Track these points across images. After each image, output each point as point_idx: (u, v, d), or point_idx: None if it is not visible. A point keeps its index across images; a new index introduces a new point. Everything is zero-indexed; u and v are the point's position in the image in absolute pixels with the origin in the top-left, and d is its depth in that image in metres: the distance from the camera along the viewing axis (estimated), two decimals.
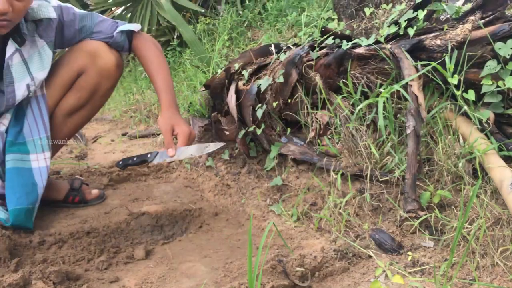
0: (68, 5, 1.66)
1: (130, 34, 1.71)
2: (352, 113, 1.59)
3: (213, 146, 1.60)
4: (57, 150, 1.86)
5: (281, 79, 1.80)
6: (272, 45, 2.14)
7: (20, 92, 1.57)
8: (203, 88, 2.36)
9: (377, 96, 1.51)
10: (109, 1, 4.29)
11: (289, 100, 1.85)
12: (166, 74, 1.70)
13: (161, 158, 1.59)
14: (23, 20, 1.52)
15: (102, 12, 4.33)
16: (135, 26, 1.72)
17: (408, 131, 1.35)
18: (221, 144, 1.63)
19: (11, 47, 1.52)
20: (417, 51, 1.57)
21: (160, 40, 4.05)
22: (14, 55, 1.54)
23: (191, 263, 1.34)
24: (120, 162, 1.69)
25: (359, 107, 1.50)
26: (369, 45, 1.65)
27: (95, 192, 1.88)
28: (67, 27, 1.64)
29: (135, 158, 1.66)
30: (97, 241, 1.52)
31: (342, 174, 1.52)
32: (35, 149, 1.63)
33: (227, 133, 2.08)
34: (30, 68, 1.58)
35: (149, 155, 1.62)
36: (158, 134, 2.73)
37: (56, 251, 1.46)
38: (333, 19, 2.72)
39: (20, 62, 1.56)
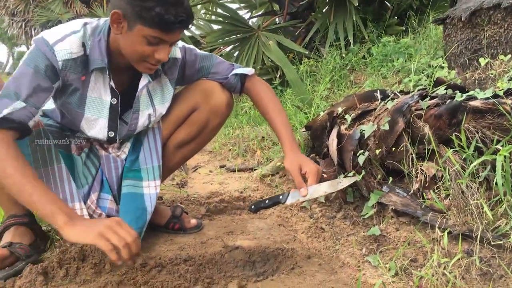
0: (191, 46, 1.80)
1: (243, 77, 1.81)
2: (463, 168, 1.51)
3: (346, 181, 1.58)
4: (164, 179, 1.99)
5: (387, 127, 1.77)
6: (378, 91, 2.12)
7: (142, 120, 1.72)
8: (304, 129, 2.39)
9: (494, 153, 1.42)
10: (219, 41, 4.57)
11: (393, 149, 1.80)
12: (284, 116, 1.76)
13: (294, 198, 1.60)
14: None
15: (212, 50, 4.62)
16: (249, 70, 1.81)
17: None
18: (355, 178, 1.62)
19: (144, 80, 1.67)
20: None
21: (262, 78, 4.20)
22: (145, 87, 1.69)
23: None
24: (253, 207, 1.72)
25: (473, 164, 1.42)
26: (487, 98, 1.57)
27: (193, 221, 1.96)
28: (188, 66, 1.77)
29: (267, 201, 1.69)
30: (193, 269, 1.57)
31: (449, 233, 1.42)
32: (147, 177, 1.76)
33: (325, 175, 2.07)
34: (153, 100, 1.73)
35: (281, 197, 1.64)
36: (255, 170, 2.79)
37: (156, 275, 1.53)
38: (443, 67, 2.64)
39: (146, 94, 1.72)
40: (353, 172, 1.79)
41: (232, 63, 1.83)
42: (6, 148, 1.33)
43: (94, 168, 1.75)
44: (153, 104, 1.72)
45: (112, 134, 1.69)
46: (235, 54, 4.57)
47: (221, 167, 3.04)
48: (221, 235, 1.90)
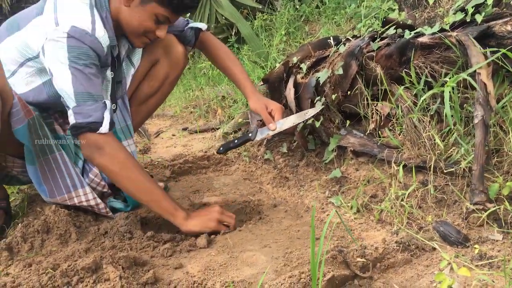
0: None
1: (198, 31, 1.86)
2: (414, 103, 1.55)
3: (312, 111, 1.73)
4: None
5: (340, 71, 1.79)
6: (331, 38, 2.12)
7: (129, 82, 1.75)
8: (261, 83, 2.38)
9: (442, 85, 1.46)
10: None
11: (349, 92, 1.83)
12: (240, 64, 1.86)
13: (263, 134, 1.71)
14: None
15: None
16: (203, 26, 1.87)
17: (476, 120, 1.29)
18: (320, 107, 1.75)
19: (125, 46, 1.67)
20: (485, 38, 1.50)
21: (218, 37, 4.11)
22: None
23: (252, 252, 1.36)
24: (221, 148, 1.78)
25: (423, 98, 1.45)
26: (434, 33, 1.59)
27: (160, 184, 1.96)
28: None
29: (236, 141, 1.76)
30: (162, 230, 1.58)
31: (404, 166, 1.48)
32: (124, 136, 1.78)
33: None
34: (132, 59, 1.74)
35: (250, 134, 1.72)
36: (217, 129, 2.79)
37: (123, 239, 1.53)
38: (393, 10, 2.65)
39: (126, 58, 1.72)
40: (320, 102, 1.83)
41: (186, 18, 1.87)
42: (125, 152, 1.49)
43: None
44: (132, 63, 1.73)
45: (114, 106, 1.70)
46: (188, 14, 4.44)
47: (183, 129, 3.02)
48: (188, 194, 1.91)
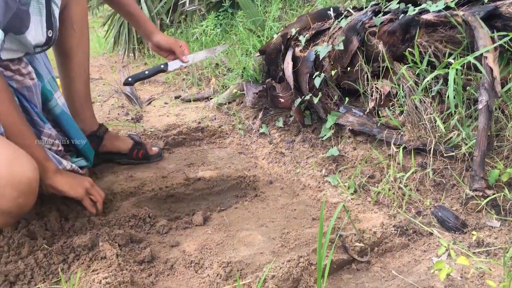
0: None
1: None
2: (416, 83, 1.52)
3: (220, 48, 1.90)
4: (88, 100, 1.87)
5: (341, 47, 1.74)
6: (331, 9, 2.06)
7: (58, 24, 1.47)
8: (258, 54, 2.32)
9: (446, 66, 1.43)
10: None
11: (348, 68, 1.79)
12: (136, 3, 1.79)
13: (177, 65, 1.80)
14: None
15: None
16: None
17: (480, 106, 1.27)
18: (227, 45, 1.90)
19: None
20: (491, 19, 1.46)
21: (211, 2, 4.00)
22: None
23: (248, 232, 1.35)
24: (130, 79, 1.79)
25: (427, 79, 1.43)
26: (439, 11, 1.55)
27: (155, 149, 1.97)
28: None
29: (146, 72, 1.80)
30: (156, 205, 1.57)
31: (404, 148, 1.46)
32: (52, 88, 1.58)
33: (282, 100, 2.06)
34: None
35: (162, 66, 1.80)
36: (211, 98, 2.74)
37: (115, 214, 1.50)
38: None
39: None
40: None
41: None
42: (2, 80, 1.27)
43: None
44: (54, 2, 1.43)
45: (50, 33, 1.41)
46: None
47: (176, 98, 2.96)
48: (182, 168, 1.89)
